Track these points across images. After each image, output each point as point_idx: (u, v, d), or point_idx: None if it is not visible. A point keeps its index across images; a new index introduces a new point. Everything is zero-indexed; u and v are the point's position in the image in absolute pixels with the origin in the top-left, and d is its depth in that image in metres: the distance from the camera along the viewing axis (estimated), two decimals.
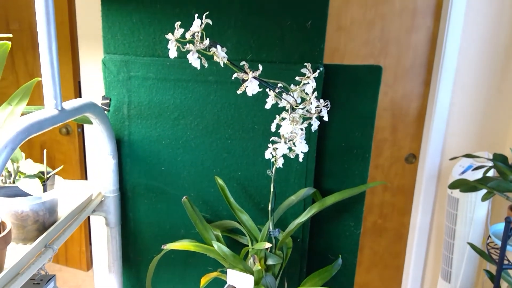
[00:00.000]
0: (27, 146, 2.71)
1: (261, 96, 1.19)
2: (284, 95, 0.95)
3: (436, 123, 1.98)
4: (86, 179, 2.55)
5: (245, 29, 1.20)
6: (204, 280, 1.20)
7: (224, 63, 0.82)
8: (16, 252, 0.92)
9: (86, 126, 2.27)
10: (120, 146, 1.30)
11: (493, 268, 1.46)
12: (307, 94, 0.97)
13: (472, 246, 1.53)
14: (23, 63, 2.57)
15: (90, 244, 2.55)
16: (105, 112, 1.25)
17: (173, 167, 1.31)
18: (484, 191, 1.42)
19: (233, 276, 1.14)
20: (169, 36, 0.79)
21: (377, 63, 2.00)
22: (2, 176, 0.97)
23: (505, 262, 1.34)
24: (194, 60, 0.78)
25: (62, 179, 1.09)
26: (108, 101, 1.25)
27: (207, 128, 1.27)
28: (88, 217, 2.58)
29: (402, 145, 2.12)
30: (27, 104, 1.05)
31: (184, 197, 1.21)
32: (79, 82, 2.22)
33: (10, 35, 0.94)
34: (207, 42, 0.76)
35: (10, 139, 0.72)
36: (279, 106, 1.00)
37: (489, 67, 1.91)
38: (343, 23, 1.98)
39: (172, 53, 0.79)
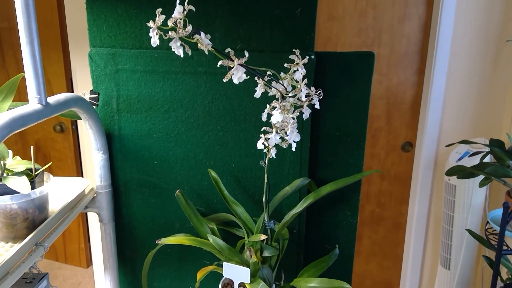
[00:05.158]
0: (21, 145, 2.69)
1: (252, 86, 1.17)
2: (273, 83, 0.93)
3: (431, 110, 1.96)
4: (81, 176, 2.53)
5: (234, 18, 1.18)
6: (200, 274, 1.19)
7: (209, 51, 0.80)
8: (5, 251, 0.91)
9: (79, 123, 2.25)
10: (111, 141, 1.28)
11: (492, 254, 1.45)
12: (297, 81, 0.95)
13: (471, 232, 1.52)
14: (13, 61, 2.54)
15: (89, 241, 2.55)
16: (94, 106, 1.23)
17: (165, 161, 1.29)
18: (481, 177, 1.41)
19: (229, 269, 1.12)
20: (150, 23, 0.77)
21: None
22: None
23: (504, 247, 1.33)
24: (177, 47, 0.76)
25: (52, 175, 1.07)
26: (96, 95, 1.23)
27: (199, 121, 1.25)
28: (86, 214, 2.57)
29: (398, 134, 2.10)
30: (19, 100, 1.03)
31: (178, 191, 1.20)
32: (71, 79, 2.20)
33: None
34: (189, 28, 0.74)
35: None
36: (269, 95, 0.98)
37: (482, 54, 1.89)
38: (335, 12, 1.96)
39: (154, 42, 0.77)
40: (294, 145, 1.01)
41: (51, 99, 0.93)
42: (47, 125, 2.58)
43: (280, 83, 0.92)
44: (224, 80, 0.84)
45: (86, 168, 2.28)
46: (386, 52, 1.99)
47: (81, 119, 1.14)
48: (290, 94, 0.94)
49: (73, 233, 2.80)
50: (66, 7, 2.04)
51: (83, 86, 2.08)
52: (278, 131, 0.99)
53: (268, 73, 0.93)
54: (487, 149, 1.48)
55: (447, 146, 1.68)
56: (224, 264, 1.13)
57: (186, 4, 0.74)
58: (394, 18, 1.94)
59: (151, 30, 0.77)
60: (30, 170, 1.01)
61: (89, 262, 2.88)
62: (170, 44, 0.76)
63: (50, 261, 2.93)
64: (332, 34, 1.98)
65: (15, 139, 2.69)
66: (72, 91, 2.27)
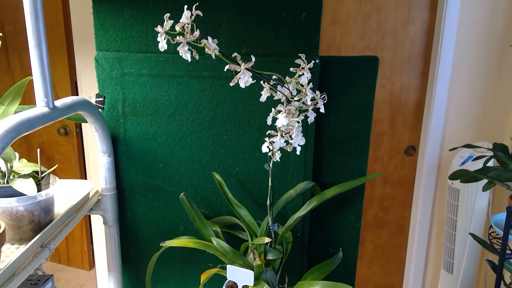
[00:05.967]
0: (25, 147, 2.71)
1: (257, 90, 1.17)
2: (279, 87, 0.94)
3: (434, 114, 1.96)
4: (85, 178, 2.54)
5: (239, 23, 1.18)
6: (204, 277, 1.19)
7: (216, 55, 0.80)
8: (11, 252, 0.91)
9: (84, 126, 2.26)
10: (116, 144, 1.29)
11: (495, 258, 1.45)
12: (302, 85, 0.96)
13: (474, 236, 1.52)
14: (19, 64, 2.56)
15: (92, 243, 2.55)
16: (100, 110, 1.23)
17: (170, 164, 1.30)
18: (484, 181, 1.41)
19: (233, 271, 1.13)
20: (158, 28, 0.77)
21: None
22: None
23: (508, 251, 1.33)
24: (184, 52, 0.76)
25: (58, 178, 1.08)
26: (102, 99, 1.23)
27: (203, 124, 1.26)
28: (89, 216, 2.58)
29: (401, 138, 2.10)
30: (23, 104, 1.04)
31: (182, 193, 1.21)
32: (76, 82, 2.21)
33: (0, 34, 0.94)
34: (197, 33, 0.75)
35: None
36: (274, 99, 0.99)
37: (485, 58, 1.89)
38: (339, 16, 1.97)
39: (162, 46, 0.78)
40: (298, 149, 1.01)
41: (58, 102, 0.94)
42: (51, 128, 2.60)
43: (285, 87, 0.93)
44: (231, 84, 0.85)
45: (89, 171, 2.29)
46: (390, 56, 1.99)
47: (87, 122, 1.15)
48: (295, 98, 0.95)
49: (76, 235, 2.81)
50: (71, 10, 2.05)
51: (88, 89, 2.09)
52: (283, 135, 0.99)
53: (273, 77, 0.93)
54: (491, 153, 1.49)
55: (450, 150, 1.69)
56: (228, 266, 1.13)
57: (194, 9, 0.75)
58: (398, 22, 1.95)
59: (159, 35, 0.78)
60: (36, 172, 1.02)
61: (91, 264, 2.89)
62: (178, 48, 0.77)
63: (52, 263, 2.94)
64: (336, 37, 1.99)
65: (20, 141, 2.70)
66: (77, 94, 2.28)
